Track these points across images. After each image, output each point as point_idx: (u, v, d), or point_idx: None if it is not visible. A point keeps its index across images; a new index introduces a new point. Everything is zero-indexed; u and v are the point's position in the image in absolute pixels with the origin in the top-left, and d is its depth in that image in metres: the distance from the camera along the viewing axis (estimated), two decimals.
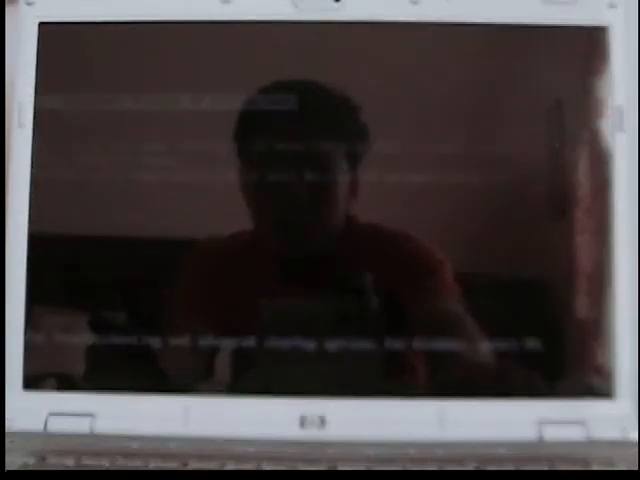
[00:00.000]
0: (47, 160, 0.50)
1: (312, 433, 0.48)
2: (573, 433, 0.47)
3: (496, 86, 0.51)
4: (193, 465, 0.45)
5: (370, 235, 0.50)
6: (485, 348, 0.49)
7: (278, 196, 0.50)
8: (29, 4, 0.50)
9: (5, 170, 0.50)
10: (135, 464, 0.45)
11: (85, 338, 0.49)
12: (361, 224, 0.50)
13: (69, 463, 0.45)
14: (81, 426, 0.48)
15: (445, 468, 0.45)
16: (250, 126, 0.50)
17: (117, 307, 0.50)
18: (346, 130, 0.50)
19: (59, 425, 0.48)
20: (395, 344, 0.48)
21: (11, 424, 0.48)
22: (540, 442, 0.47)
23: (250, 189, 0.50)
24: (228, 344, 0.49)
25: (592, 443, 0.47)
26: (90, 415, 0.48)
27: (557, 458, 0.46)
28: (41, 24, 0.50)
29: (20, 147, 0.50)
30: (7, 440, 0.46)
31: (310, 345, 0.48)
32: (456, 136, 0.50)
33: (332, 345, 0.48)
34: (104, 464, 0.45)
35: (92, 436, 0.48)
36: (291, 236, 0.51)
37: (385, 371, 0.49)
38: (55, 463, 0.45)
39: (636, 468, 0.44)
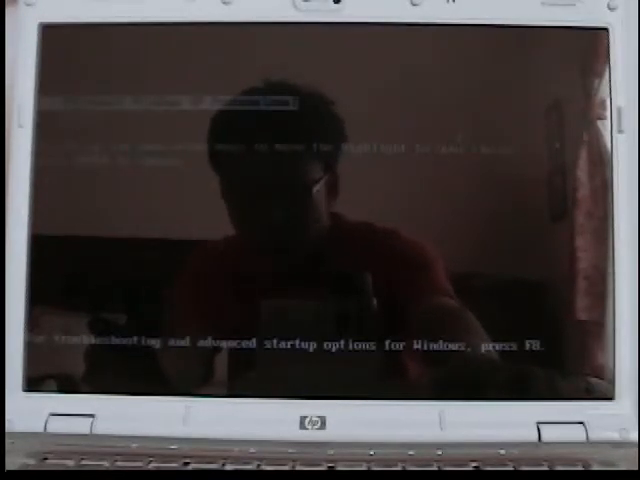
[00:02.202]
0: (47, 160, 0.50)
1: (312, 434, 0.48)
2: (573, 434, 0.47)
3: (496, 86, 0.51)
4: (193, 465, 0.45)
5: (362, 234, 0.50)
6: (485, 348, 0.49)
7: (264, 198, 0.50)
8: (29, 5, 0.50)
9: (5, 170, 0.50)
10: (135, 464, 0.45)
11: (85, 339, 0.49)
12: (353, 222, 0.50)
13: (69, 464, 0.45)
14: (81, 427, 0.48)
15: (445, 469, 0.45)
16: (250, 127, 0.50)
17: (117, 308, 0.50)
18: (346, 131, 0.50)
19: (59, 426, 0.48)
20: (395, 345, 0.49)
21: (11, 425, 0.48)
22: (540, 443, 0.47)
23: (246, 190, 0.50)
24: (228, 345, 0.49)
25: (592, 444, 0.47)
26: (90, 416, 0.48)
27: (557, 459, 0.46)
28: (41, 25, 0.50)
29: (20, 147, 0.50)
30: (7, 441, 0.46)
31: (310, 346, 0.48)
32: (456, 136, 0.50)
33: (332, 346, 0.48)
34: (104, 465, 0.45)
35: (92, 437, 0.48)
36: (277, 238, 0.51)
37: (385, 372, 0.49)
38: (55, 464, 0.45)
39: (636, 468, 0.44)
